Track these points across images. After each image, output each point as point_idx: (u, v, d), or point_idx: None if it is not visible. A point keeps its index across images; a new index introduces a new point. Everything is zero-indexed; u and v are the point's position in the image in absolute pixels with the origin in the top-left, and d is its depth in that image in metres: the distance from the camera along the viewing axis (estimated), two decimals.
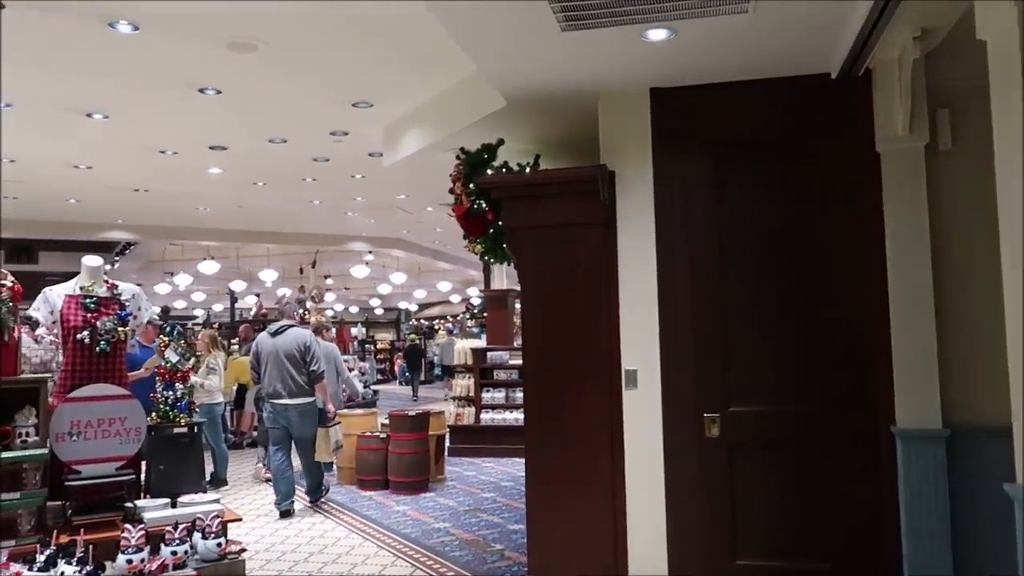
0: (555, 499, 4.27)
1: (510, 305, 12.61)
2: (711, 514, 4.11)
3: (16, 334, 3.74)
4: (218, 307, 27.56)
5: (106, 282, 4.30)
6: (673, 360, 4.21)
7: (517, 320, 12.10)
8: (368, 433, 8.66)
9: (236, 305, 23.51)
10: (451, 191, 5.03)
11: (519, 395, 10.57)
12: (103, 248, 15.54)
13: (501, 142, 5.05)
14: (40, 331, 4.16)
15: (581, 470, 4.25)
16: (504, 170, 4.64)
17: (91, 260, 4.29)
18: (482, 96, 5.37)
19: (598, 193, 4.22)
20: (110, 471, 3.86)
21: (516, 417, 10.55)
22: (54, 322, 4.06)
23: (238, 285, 19.99)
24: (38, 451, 3.62)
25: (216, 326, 19.25)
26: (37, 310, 4.07)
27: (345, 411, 9.15)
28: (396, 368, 25.68)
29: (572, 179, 4.35)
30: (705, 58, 3.97)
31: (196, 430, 4.38)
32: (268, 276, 17.89)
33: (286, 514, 7.20)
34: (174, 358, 4.44)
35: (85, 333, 4.03)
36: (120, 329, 4.11)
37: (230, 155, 8.27)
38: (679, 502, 4.14)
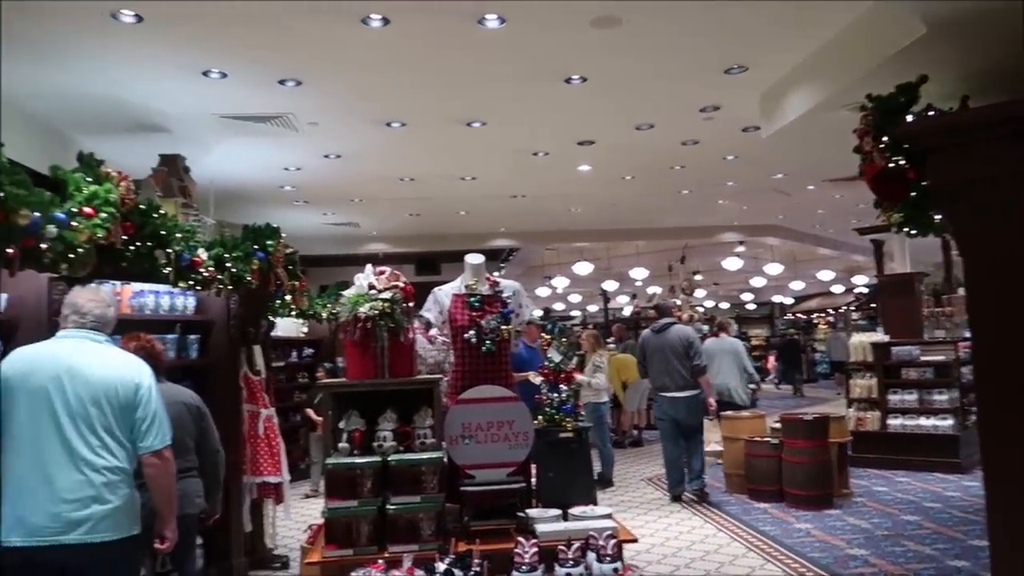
0: None
1: (917, 291, 10.69)
2: None
3: (411, 335, 3.76)
4: (592, 307, 28.64)
5: (488, 279, 4.21)
6: None
7: (927, 309, 10.19)
8: (758, 438, 7.83)
9: (609, 305, 24.10)
10: (857, 150, 4.08)
11: (936, 397, 8.91)
12: (490, 256, 16.92)
13: (924, 79, 3.96)
14: (433, 331, 4.19)
15: None
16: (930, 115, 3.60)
17: (474, 258, 4.24)
18: (886, 31, 4.34)
19: None
20: (501, 477, 3.69)
21: (933, 424, 8.86)
22: (444, 322, 4.07)
23: (610, 285, 20.37)
24: (435, 454, 3.57)
25: (591, 326, 19.83)
26: (428, 310, 4.12)
27: (730, 413, 8.44)
28: (769, 366, 24.12)
29: None
30: None
31: (584, 435, 4.07)
32: (638, 274, 17.85)
33: (676, 499, 7.55)
34: (557, 357, 4.20)
35: (471, 332, 3.95)
36: (503, 328, 3.97)
37: (598, 149, 8.09)
38: None
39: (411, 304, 3.72)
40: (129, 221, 4.86)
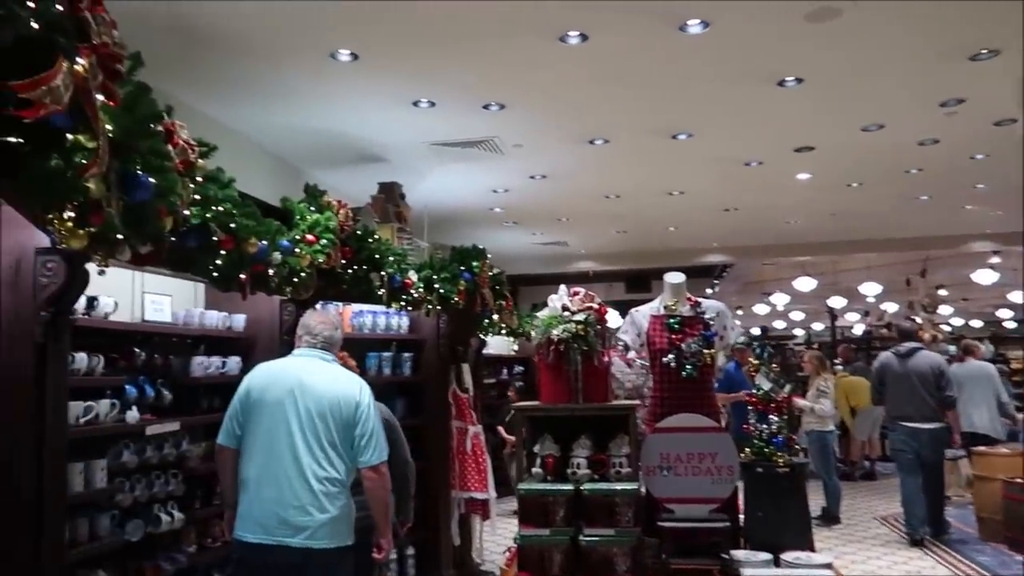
0: None
1: None
2: None
3: (606, 358, 3.61)
4: (818, 326, 26.65)
5: (689, 299, 3.95)
6: None
7: None
8: (1019, 479, 6.73)
9: (836, 323, 22.26)
10: None
11: None
12: (702, 273, 16.26)
13: None
14: (631, 355, 4.01)
15: None
16: None
17: (673, 277, 4.00)
18: None
19: None
20: (704, 514, 3.41)
21: None
22: (642, 344, 3.86)
23: (837, 301, 18.79)
24: (631, 485, 3.38)
25: (816, 346, 18.40)
26: (625, 332, 3.93)
27: (983, 448, 7.36)
28: None
29: None
30: None
31: (799, 471, 3.67)
32: (870, 290, 16.29)
33: (917, 543, 6.71)
34: (766, 385, 3.83)
35: (671, 356, 3.71)
36: (706, 352, 3.69)
37: (818, 156, 7.45)
38: None
39: (606, 326, 3.57)
40: (347, 246, 5.17)
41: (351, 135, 6.62)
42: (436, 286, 6.07)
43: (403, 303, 5.79)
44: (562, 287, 3.70)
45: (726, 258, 13.43)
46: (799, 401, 7.23)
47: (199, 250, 3.62)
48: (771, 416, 3.78)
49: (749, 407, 3.89)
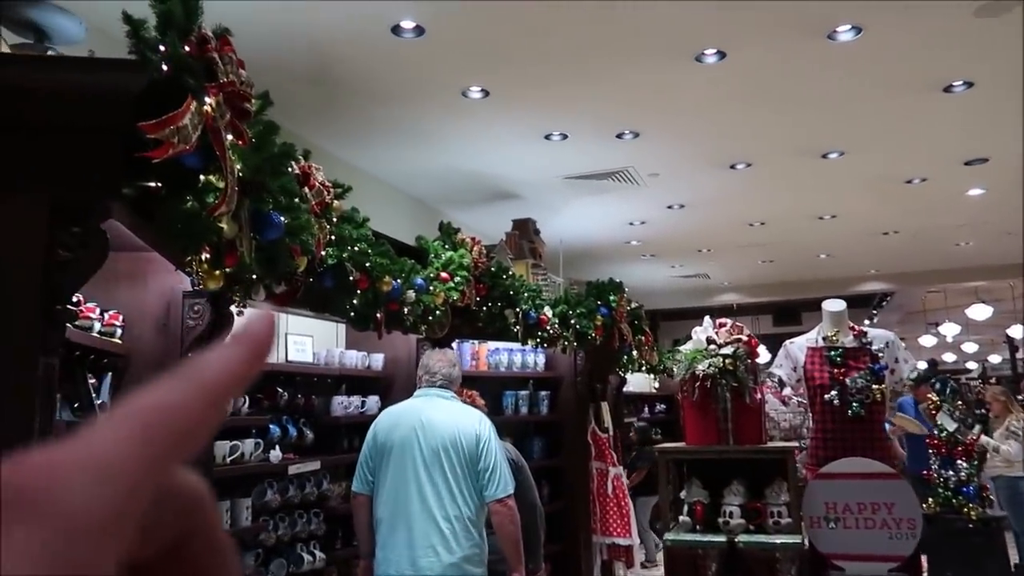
0: None
1: None
2: None
3: (758, 395, 3.29)
4: (994, 358, 24.17)
5: (852, 329, 3.55)
6: None
7: None
8: None
9: (1017, 355, 20.06)
10: None
11: None
12: (859, 303, 15.13)
13: None
14: (786, 391, 3.64)
15: None
16: None
17: (833, 304, 3.62)
18: None
19: None
20: (882, 572, 2.99)
21: None
22: (798, 380, 3.50)
23: (1017, 331, 16.93)
24: (793, 538, 3.02)
25: (993, 380, 16.62)
26: (780, 367, 3.57)
27: None
28: None
29: None
30: None
31: (994, 526, 3.16)
32: None
33: None
34: (950, 425, 3.35)
35: (833, 392, 3.32)
36: (875, 387, 3.27)
37: (992, 168, 6.73)
38: None
39: (756, 360, 3.25)
40: (481, 283, 5.13)
41: (484, 172, 6.63)
42: (572, 322, 5.91)
43: (539, 340, 5.66)
44: (707, 319, 3.42)
45: (886, 286, 12.43)
46: (985, 440, 6.45)
47: (335, 289, 3.67)
48: (958, 461, 3.29)
49: (931, 450, 3.41)
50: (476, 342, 6.05)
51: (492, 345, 6.14)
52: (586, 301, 6.08)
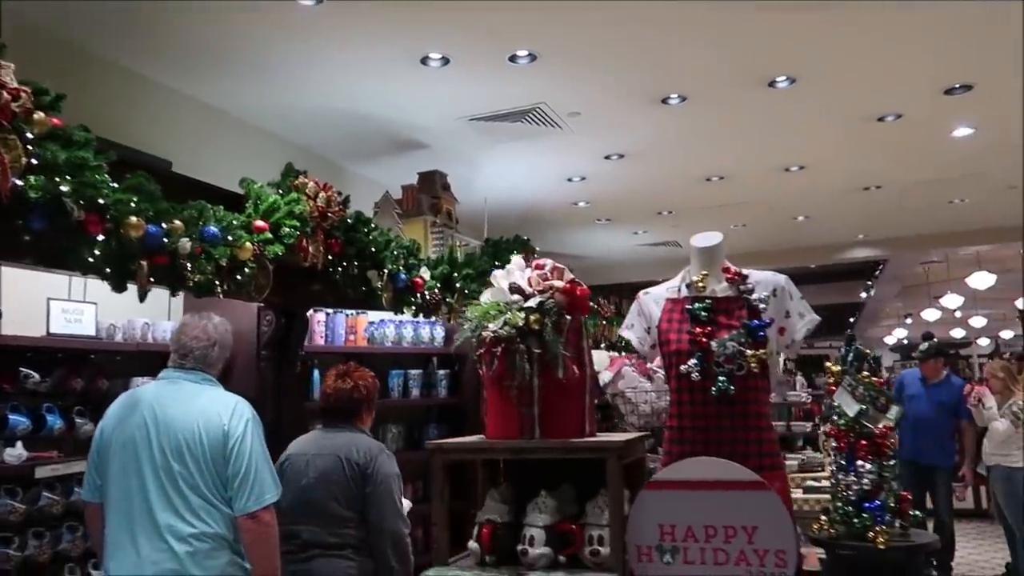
0: None
1: None
2: None
3: (583, 368, 2.25)
4: (1006, 333, 22.89)
5: (727, 272, 2.50)
6: None
7: None
8: None
9: None
10: None
11: None
12: (853, 274, 13.90)
13: None
14: (656, 362, 2.62)
15: None
16: None
17: (702, 239, 2.59)
18: None
19: None
20: None
21: None
22: (653, 345, 2.46)
23: None
24: None
25: (1006, 355, 15.43)
26: (631, 327, 2.53)
27: None
28: None
29: None
30: None
31: (920, 560, 2.13)
32: None
33: None
34: (851, 408, 2.28)
35: (693, 362, 2.28)
36: (750, 354, 2.23)
37: (981, 96, 5.57)
38: None
39: (573, 316, 2.21)
40: (333, 238, 4.18)
41: (369, 114, 5.62)
42: (458, 285, 4.91)
43: (413, 308, 4.68)
44: (516, 258, 2.40)
45: (876, 252, 11.29)
46: (988, 413, 5.45)
47: (52, 233, 2.87)
48: (861, 462, 2.23)
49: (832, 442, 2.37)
50: (354, 312, 5.08)
51: (373, 315, 5.17)
52: (478, 261, 5.09)
